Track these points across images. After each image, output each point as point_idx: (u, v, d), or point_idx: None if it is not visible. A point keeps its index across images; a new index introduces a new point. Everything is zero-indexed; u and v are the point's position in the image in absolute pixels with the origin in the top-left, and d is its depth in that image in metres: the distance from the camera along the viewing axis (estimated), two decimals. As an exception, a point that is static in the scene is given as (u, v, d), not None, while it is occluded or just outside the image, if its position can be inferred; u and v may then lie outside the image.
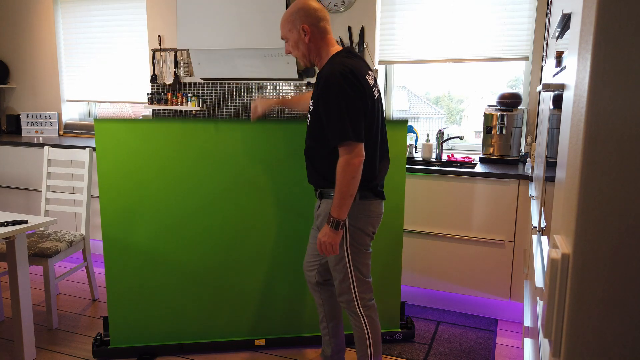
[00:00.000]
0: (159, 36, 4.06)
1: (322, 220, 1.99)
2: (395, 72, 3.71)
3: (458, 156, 3.33)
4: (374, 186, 1.96)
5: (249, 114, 2.26)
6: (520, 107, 3.12)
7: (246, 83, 3.88)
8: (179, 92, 4.07)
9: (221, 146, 2.45)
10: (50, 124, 4.52)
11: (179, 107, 4.03)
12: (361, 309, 2.02)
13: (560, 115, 1.16)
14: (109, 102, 4.67)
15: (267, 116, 2.21)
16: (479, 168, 2.93)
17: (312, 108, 1.92)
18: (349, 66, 1.80)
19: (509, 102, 3.10)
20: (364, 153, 1.81)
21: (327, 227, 1.87)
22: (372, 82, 1.91)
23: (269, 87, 3.83)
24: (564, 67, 1.23)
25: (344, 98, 1.77)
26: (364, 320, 2.02)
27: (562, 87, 1.18)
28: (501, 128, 3.09)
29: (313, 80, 3.66)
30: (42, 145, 3.94)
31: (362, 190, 1.91)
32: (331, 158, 1.87)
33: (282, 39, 1.98)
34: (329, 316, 2.31)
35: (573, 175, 0.79)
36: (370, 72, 1.93)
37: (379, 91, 1.99)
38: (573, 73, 0.90)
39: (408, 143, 3.37)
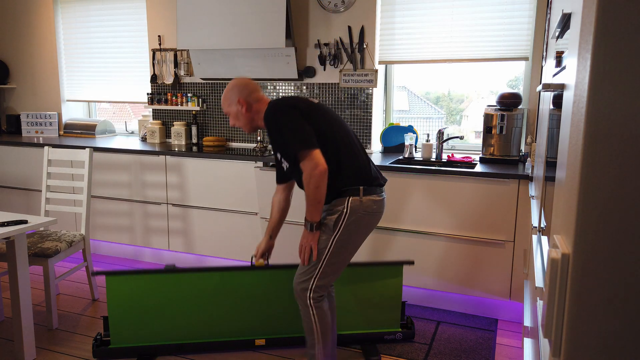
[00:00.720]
0: (159, 36, 4.06)
1: (331, 212, 2.07)
2: (395, 72, 3.71)
3: (458, 156, 3.33)
4: (373, 178, 2.10)
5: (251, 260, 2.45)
6: (520, 107, 3.12)
7: (246, 83, 3.87)
8: (179, 92, 4.07)
9: (228, 293, 2.54)
10: (50, 123, 4.52)
11: (179, 107, 4.03)
12: (312, 301, 2.08)
13: (560, 115, 1.16)
14: (109, 102, 4.67)
15: (267, 264, 2.47)
16: (479, 168, 2.93)
17: (273, 147, 2.16)
18: (279, 99, 2.10)
19: (509, 102, 3.10)
20: (322, 161, 1.94)
21: (306, 231, 2.05)
22: (316, 101, 2.18)
23: (268, 87, 3.83)
24: (564, 67, 1.23)
25: (282, 119, 2.01)
26: (312, 311, 2.09)
27: (562, 87, 1.18)
28: (501, 128, 3.09)
29: (313, 81, 3.67)
30: (42, 145, 3.94)
31: (365, 185, 2.06)
32: (330, 168, 2.02)
33: (225, 115, 2.25)
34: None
35: (573, 175, 0.79)
36: (308, 98, 2.20)
37: (323, 105, 2.19)
38: (573, 73, 0.90)
39: (408, 143, 3.37)
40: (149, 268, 2.74)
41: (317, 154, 1.94)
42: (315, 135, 2.00)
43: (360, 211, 2.05)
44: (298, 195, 2.70)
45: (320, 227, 2.06)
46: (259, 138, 3.71)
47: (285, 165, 2.15)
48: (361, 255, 3.13)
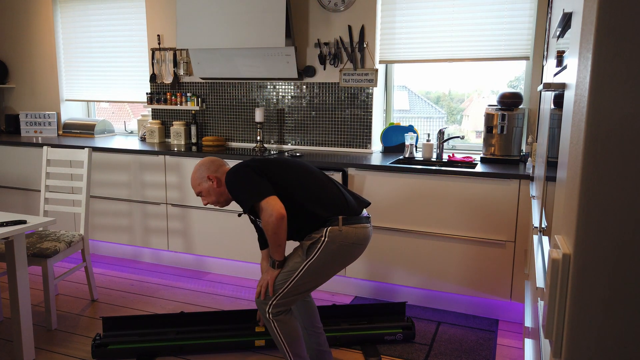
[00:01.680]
0: (159, 35, 4.06)
1: (308, 238, 2.09)
2: (396, 72, 3.71)
3: (459, 156, 3.33)
4: (350, 209, 2.11)
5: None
6: (521, 106, 3.12)
7: (246, 83, 3.87)
8: (178, 92, 4.07)
9: None
10: (49, 123, 4.52)
11: (178, 107, 4.02)
12: (270, 315, 2.10)
13: (561, 114, 1.16)
14: (108, 101, 4.67)
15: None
16: (479, 168, 2.92)
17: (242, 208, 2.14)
18: (234, 166, 2.17)
19: (509, 101, 3.09)
20: (278, 207, 1.97)
21: (269, 266, 2.12)
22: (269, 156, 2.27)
23: (268, 87, 3.82)
24: (565, 67, 1.23)
25: (236, 180, 2.10)
26: (273, 324, 2.11)
27: (563, 86, 1.17)
28: (502, 128, 3.08)
29: (313, 80, 3.66)
30: (41, 145, 3.93)
31: (343, 214, 2.07)
32: (301, 209, 2.06)
33: (197, 195, 2.27)
34: (309, 328, 2.35)
35: (574, 175, 0.78)
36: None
37: (278, 157, 2.31)
38: (574, 72, 0.89)
39: (409, 143, 3.36)
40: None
41: (272, 201, 1.98)
42: (275, 183, 2.06)
43: (339, 240, 2.05)
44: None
45: (282, 265, 2.11)
46: (258, 138, 3.71)
47: (259, 222, 2.17)
48: (362, 255, 3.12)
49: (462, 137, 3.40)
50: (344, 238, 2.05)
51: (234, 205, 3.40)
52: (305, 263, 2.06)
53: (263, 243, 2.37)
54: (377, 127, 3.67)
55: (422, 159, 3.36)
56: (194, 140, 3.99)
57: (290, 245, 2.50)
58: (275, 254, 2.07)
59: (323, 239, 2.04)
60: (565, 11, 1.18)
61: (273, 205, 1.97)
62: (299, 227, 2.10)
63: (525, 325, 1.87)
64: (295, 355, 2.15)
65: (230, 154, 3.45)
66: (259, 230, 2.31)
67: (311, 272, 2.07)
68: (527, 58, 3.17)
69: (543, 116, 2.20)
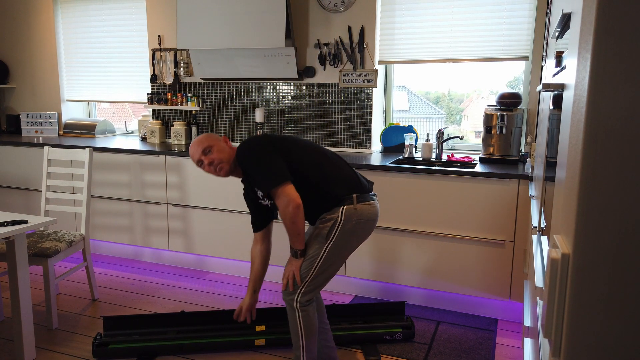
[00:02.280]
0: (159, 36, 4.06)
1: (326, 220, 2.08)
2: (395, 72, 3.71)
3: (458, 156, 3.33)
4: (363, 188, 2.13)
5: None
6: (520, 107, 3.12)
7: (246, 83, 3.88)
8: (179, 92, 4.07)
9: None
10: (50, 123, 4.52)
11: (178, 107, 4.03)
12: (298, 305, 2.10)
13: (560, 115, 1.16)
14: (109, 102, 4.67)
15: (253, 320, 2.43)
16: (479, 168, 2.93)
17: (251, 186, 2.18)
18: (250, 138, 2.13)
19: (509, 102, 3.10)
20: (295, 195, 1.98)
21: (290, 257, 2.12)
22: (278, 134, 2.21)
23: (268, 87, 3.83)
24: (564, 67, 1.23)
25: (256, 155, 2.04)
26: (298, 314, 2.11)
27: (562, 87, 1.18)
28: (501, 128, 3.09)
29: (313, 80, 3.67)
30: (42, 145, 3.94)
31: (357, 192, 2.08)
32: (316, 189, 2.07)
33: (204, 151, 2.11)
34: (318, 325, 2.34)
35: (573, 175, 0.78)
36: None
37: (287, 135, 2.24)
38: (573, 73, 0.90)
39: (408, 143, 3.37)
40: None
41: (289, 189, 1.98)
42: (291, 162, 2.05)
43: (355, 219, 2.06)
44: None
45: (305, 254, 2.10)
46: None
47: (267, 202, 2.18)
48: (362, 255, 3.13)
49: (462, 137, 3.40)
50: (359, 216, 2.07)
51: (234, 206, 3.41)
52: (326, 246, 2.06)
53: (258, 226, 2.29)
54: (377, 127, 3.68)
55: (421, 159, 3.36)
56: (194, 140, 3.99)
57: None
58: (295, 243, 2.06)
59: (339, 219, 2.05)
60: (564, 12, 1.18)
61: (289, 194, 1.97)
62: (313, 207, 2.08)
63: (525, 324, 1.87)
64: (308, 351, 2.16)
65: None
66: (256, 210, 2.25)
67: (333, 254, 2.08)
68: (526, 58, 3.17)
69: (542, 116, 2.20)
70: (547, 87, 1.38)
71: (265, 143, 2.07)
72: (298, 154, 2.10)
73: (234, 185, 3.39)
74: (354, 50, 3.50)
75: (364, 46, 3.47)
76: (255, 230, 2.30)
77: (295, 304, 2.10)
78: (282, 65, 3.57)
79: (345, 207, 2.05)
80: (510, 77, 3.46)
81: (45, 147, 3.25)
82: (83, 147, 3.25)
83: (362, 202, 2.08)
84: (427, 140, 3.40)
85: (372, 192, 2.18)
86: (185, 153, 3.54)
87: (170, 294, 3.31)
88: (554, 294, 0.79)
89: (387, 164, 3.04)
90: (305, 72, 3.66)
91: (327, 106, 3.66)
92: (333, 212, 2.06)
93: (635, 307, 0.73)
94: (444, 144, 3.47)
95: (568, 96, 1.00)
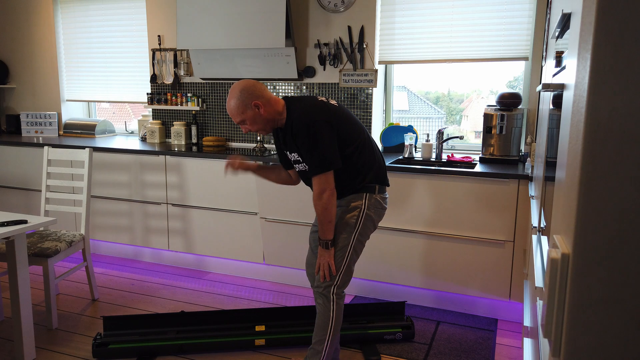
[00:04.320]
0: (159, 36, 4.06)
1: (349, 210, 2.15)
2: (395, 72, 3.71)
3: (458, 156, 3.33)
4: (385, 179, 2.24)
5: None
6: (520, 107, 3.12)
7: (246, 83, 3.87)
8: (178, 92, 4.07)
9: None
10: (50, 123, 4.52)
11: (178, 107, 4.03)
12: (335, 296, 2.17)
13: (560, 115, 1.16)
14: (109, 102, 4.67)
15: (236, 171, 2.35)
16: (478, 168, 2.93)
17: (300, 154, 2.13)
18: (312, 107, 2.09)
19: (508, 102, 3.10)
20: (332, 184, 2.05)
21: (321, 249, 2.14)
22: (325, 99, 2.20)
23: (268, 87, 3.82)
24: (564, 67, 1.23)
25: (318, 135, 2.03)
26: (333, 305, 2.16)
27: (561, 87, 1.18)
28: (501, 128, 3.09)
29: (313, 80, 3.67)
30: (41, 145, 3.94)
31: (380, 184, 2.19)
32: (350, 168, 2.13)
33: (239, 124, 2.12)
34: None
35: (573, 175, 0.79)
36: (327, 100, 2.19)
37: (342, 107, 2.22)
38: (573, 73, 0.90)
39: (408, 143, 3.37)
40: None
41: (330, 176, 2.04)
42: (342, 141, 2.08)
43: (374, 207, 2.17)
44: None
45: (335, 243, 2.14)
46: (259, 138, 3.71)
47: (302, 167, 2.16)
48: (362, 255, 3.13)
49: (461, 137, 3.40)
50: (378, 204, 2.19)
51: (234, 206, 3.41)
52: (354, 235, 2.15)
53: (282, 165, 2.36)
54: (377, 127, 3.68)
55: (421, 159, 3.36)
56: (194, 140, 3.99)
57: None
58: (326, 232, 2.09)
59: (363, 207, 2.15)
60: (564, 12, 1.18)
61: (328, 181, 2.04)
62: (342, 184, 2.13)
63: (524, 324, 1.87)
64: (331, 346, 2.20)
65: (231, 154, 3.45)
66: (280, 155, 2.31)
67: (359, 242, 2.18)
68: (526, 58, 3.17)
69: (542, 116, 2.20)
70: (547, 87, 1.38)
71: (324, 121, 2.04)
72: (349, 134, 2.11)
73: (234, 185, 3.39)
74: (354, 50, 3.50)
75: (364, 46, 3.47)
76: (286, 168, 2.37)
77: (331, 295, 2.16)
78: (282, 65, 3.57)
79: (368, 194, 2.15)
80: (510, 77, 3.47)
81: (45, 147, 3.25)
82: (83, 147, 3.25)
83: (380, 192, 2.19)
84: (427, 140, 3.40)
85: (388, 185, 2.28)
86: (185, 153, 3.54)
87: (170, 294, 3.31)
88: (553, 294, 0.79)
89: (387, 163, 3.04)
90: (305, 72, 3.66)
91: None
92: (358, 198, 2.15)
93: (635, 307, 0.73)
94: (444, 144, 3.47)
95: (568, 96, 1.00)
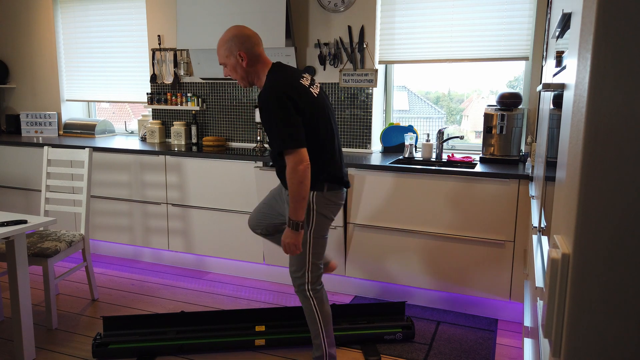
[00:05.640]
0: (159, 36, 4.06)
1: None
2: (395, 72, 3.71)
3: (458, 156, 3.33)
4: (339, 178, 2.21)
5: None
6: (520, 107, 3.12)
7: (246, 83, 3.87)
8: (178, 92, 4.07)
9: None
10: (50, 123, 4.52)
11: (178, 107, 4.03)
12: (311, 292, 2.22)
13: (561, 115, 1.16)
14: (109, 101, 4.67)
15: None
16: (479, 168, 2.93)
17: (271, 145, 2.12)
18: (281, 82, 2.04)
19: (509, 101, 3.10)
20: (307, 158, 2.00)
21: (289, 229, 2.08)
22: (307, 83, 2.14)
23: (268, 87, 3.82)
24: (564, 67, 1.23)
25: (281, 111, 1.98)
26: (313, 302, 2.23)
27: (562, 87, 1.18)
28: (501, 128, 3.09)
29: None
30: (41, 145, 3.94)
31: (330, 182, 2.16)
32: None
33: (220, 64, 2.14)
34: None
35: (573, 175, 0.78)
36: (304, 76, 2.17)
37: (320, 89, 2.22)
38: (573, 73, 0.90)
39: (408, 143, 3.37)
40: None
41: (304, 152, 1.99)
42: (305, 125, 2.04)
43: (323, 205, 2.17)
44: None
45: (304, 226, 2.12)
46: (258, 138, 3.71)
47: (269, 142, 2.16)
48: (362, 255, 3.13)
49: (462, 137, 3.40)
50: (327, 201, 2.18)
51: (234, 206, 3.41)
52: (309, 231, 2.17)
53: None
54: (377, 127, 3.68)
55: (421, 159, 3.36)
56: (194, 140, 3.99)
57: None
58: (298, 211, 2.02)
59: (313, 206, 2.14)
60: (564, 11, 1.18)
61: (303, 155, 1.98)
62: None
63: (525, 324, 1.87)
64: (328, 337, 2.27)
65: (231, 154, 3.45)
66: None
67: (317, 236, 2.20)
68: (526, 58, 3.17)
69: (542, 116, 2.20)
70: (547, 87, 1.37)
71: (289, 99, 1.99)
72: (313, 123, 2.07)
73: (234, 185, 3.39)
74: (354, 50, 3.50)
75: (364, 46, 3.47)
76: None
77: (308, 293, 2.21)
78: (282, 65, 3.57)
79: (316, 192, 2.13)
80: (510, 77, 3.46)
81: (45, 147, 3.25)
82: (83, 147, 3.25)
83: (330, 190, 2.17)
84: (427, 140, 3.40)
85: (346, 181, 2.24)
86: (185, 153, 3.54)
87: (170, 294, 3.31)
88: (554, 294, 0.79)
89: (387, 164, 3.04)
90: (306, 71, 3.65)
91: (325, 99, 3.65)
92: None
93: (636, 307, 0.73)
94: (444, 144, 3.47)
95: (568, 96, 0.99)
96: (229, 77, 2.17)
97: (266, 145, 3.82)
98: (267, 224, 2.47)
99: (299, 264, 2.21)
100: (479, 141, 3.47)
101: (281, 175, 2.17)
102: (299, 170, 1.97)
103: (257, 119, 3.70)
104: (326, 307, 2.26)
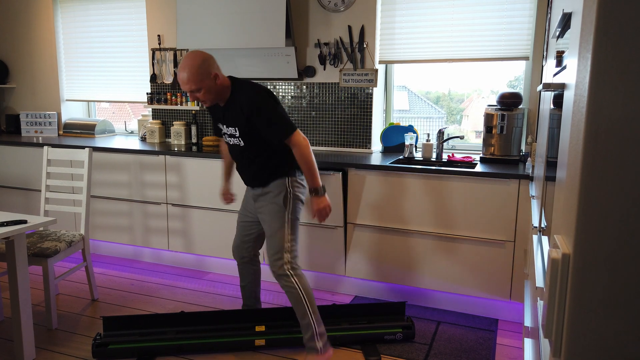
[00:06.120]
0: (159, 36, 4.06)
1: (277, 194, 2.40)
2: (396, 72, 3.71)
3: (458, 156, 3.33)
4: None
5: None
6: (520, 106, 3.12)
7: (246, 83, 3.87)
8: (178, 92, 4.07)
9: None
10: (50, 123, 4.52)
11: (178, 107, 4.03)
12: (291, 270, 2.35)
13: (561, 115, 1.16)
14: (109, 101, 4.67)
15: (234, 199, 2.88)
16: (479, 168, 2.92)
17: (243, 129, 2.35)
18: (255, 84, 2.38)
19: (509, 101, 3.10)
20: (304, 136, 2.34)
21: (314, 198, 2.36)
22: None
23: (269, 87, 3.82)
24: (565, 67, 1.23)
25: (276, 104, 2.34)
26: (294, 279, 2.35)
27: (562, 86, 1.17)
28: (502, 128, 3.08)
29: (313, 80, 3.66)
30: (41, 145, 3.93)
31: (298, 169, 2.43)
32: (277, 154, 2.39)
33: (193, 91, 2.26)
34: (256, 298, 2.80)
35: (573, 175, 0.78)
36: None
37: None
38: (573, 73, 0.90)
39: (408, 143, 3.37)
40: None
41: (300, 133, 2.34)
42: None
43: (297, 186, 2.44)
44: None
45: (273, 225, 2.38)
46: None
47: (237, 141, 2.40)
48: (362, 255, 3.13)
49: (462, 137, 3.40)
50: (298, 184, 2.45)
51: (234, 205, 3.40)
52: (286, 214, 2.39)
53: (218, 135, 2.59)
54: (377, 127, 3.67)
55: (421, 159, 3.36)
56: (194, 140, 3.99)
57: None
58: (315, 180, 2.33)
59: (289, 188, 2.41)
60: (565, 11, 1.18)
61: (303, 136, 2.33)
62: (269, 172, 2.39)
63: (525, 324, 1.87)
64: (314, 313, 2.35)
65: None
66: (216, 130, 2.56)
67: (294, 218, 2.42)
68: (526, 58, 3.17)
69: (542, 116, 2.20)
70: (547, 86, 1.37)
71: (272, 96, 2.34)
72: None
73: (234, 186, 3.39)
74: (354, 50, 3.49)
75: (364, 46, 3.47)
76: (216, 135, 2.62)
77: (289, 271, 2.34)
78: (282, 65, 3.57)
79: (290, 178, 2.41)
80: (510, 76, 3.46)
81: (45, 147, 3.25)
82: (83, 147, 3.25)
83: (300, 174, 2.46)
84: (428, 140, 3.40)
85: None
86: (185, 153, 3.54)
87: (170, 294, 3.31)
88: (554, 294, 0.78)
89: (387, 163, 3.04)
90: (306, 71, 3.65)
91: (327, 106, 3.66)
92: (282, 182, 2.39)
93: (636, 307, 0.73)
94: (445, 143, 3.47)
95: (568, 96, 0.99)
96: (201, 100, 2.32)
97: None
98: (253, 239, 2.66)
99: (278, 246, 2.37)
100: (479, 141, 3.46)
101: (249, 169, 2.44)
102: (308, 145, 2.31)
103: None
104: (308, 283, 2.39)
